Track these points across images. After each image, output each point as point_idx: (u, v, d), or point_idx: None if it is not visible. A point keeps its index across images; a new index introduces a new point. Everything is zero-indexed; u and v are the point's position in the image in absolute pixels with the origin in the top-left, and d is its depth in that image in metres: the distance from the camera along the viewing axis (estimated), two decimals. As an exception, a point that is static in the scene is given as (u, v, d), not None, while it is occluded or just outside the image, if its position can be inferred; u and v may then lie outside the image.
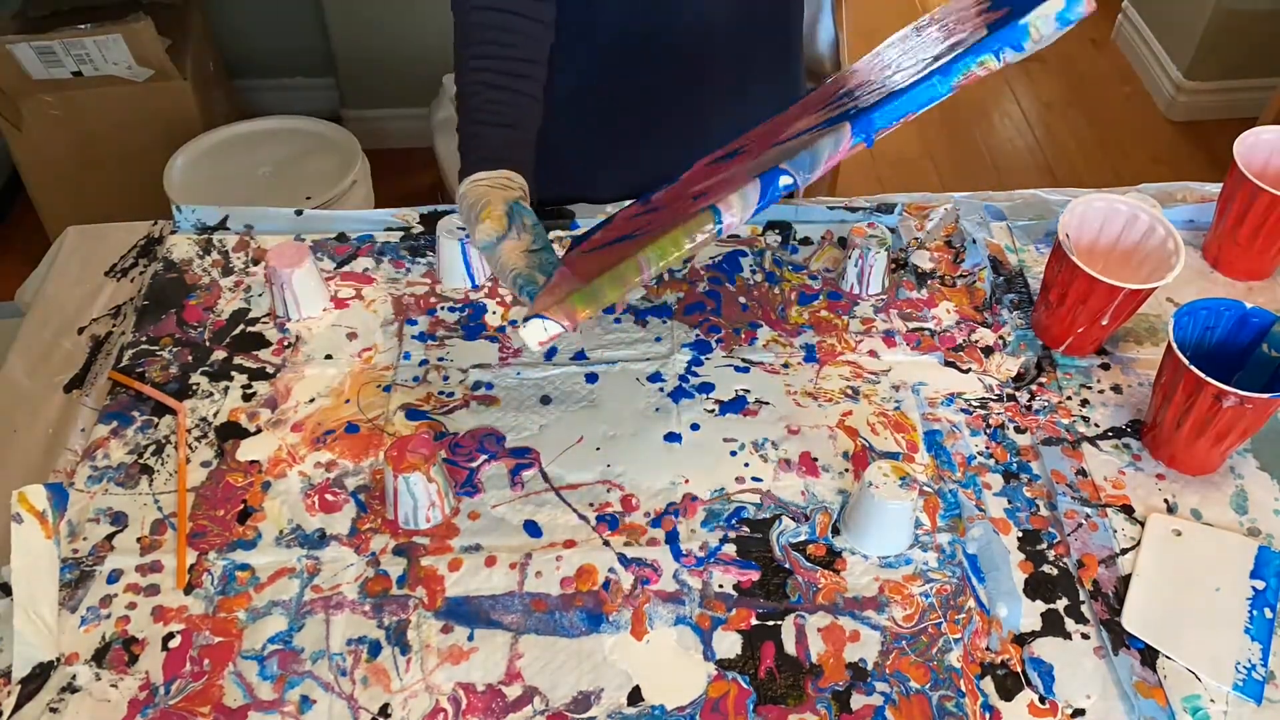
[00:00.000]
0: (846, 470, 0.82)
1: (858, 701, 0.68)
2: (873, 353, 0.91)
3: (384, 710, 0.67)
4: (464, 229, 0.93)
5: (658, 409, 0.86)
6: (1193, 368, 0.75)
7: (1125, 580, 0.75)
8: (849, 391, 0.87)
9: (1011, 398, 0.87)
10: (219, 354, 0.89)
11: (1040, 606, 0.73)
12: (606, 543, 0.76)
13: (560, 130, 1.04)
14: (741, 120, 1.06)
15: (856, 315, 0.94)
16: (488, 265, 0.73)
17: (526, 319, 0.65)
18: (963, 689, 0.69)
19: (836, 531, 0.78)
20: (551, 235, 1.00)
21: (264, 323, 0.92)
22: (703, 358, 0.90)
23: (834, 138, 0.64)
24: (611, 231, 0.80)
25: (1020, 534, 0.78)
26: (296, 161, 1.84)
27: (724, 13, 0.97)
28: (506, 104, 0.83)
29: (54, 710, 0.67)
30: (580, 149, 1.06)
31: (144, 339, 0.90)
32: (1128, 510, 0.79)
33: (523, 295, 0.70)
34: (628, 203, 1.02)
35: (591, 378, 0.88)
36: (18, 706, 0.67)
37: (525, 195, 0.78)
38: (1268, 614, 0.73)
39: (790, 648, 0.71)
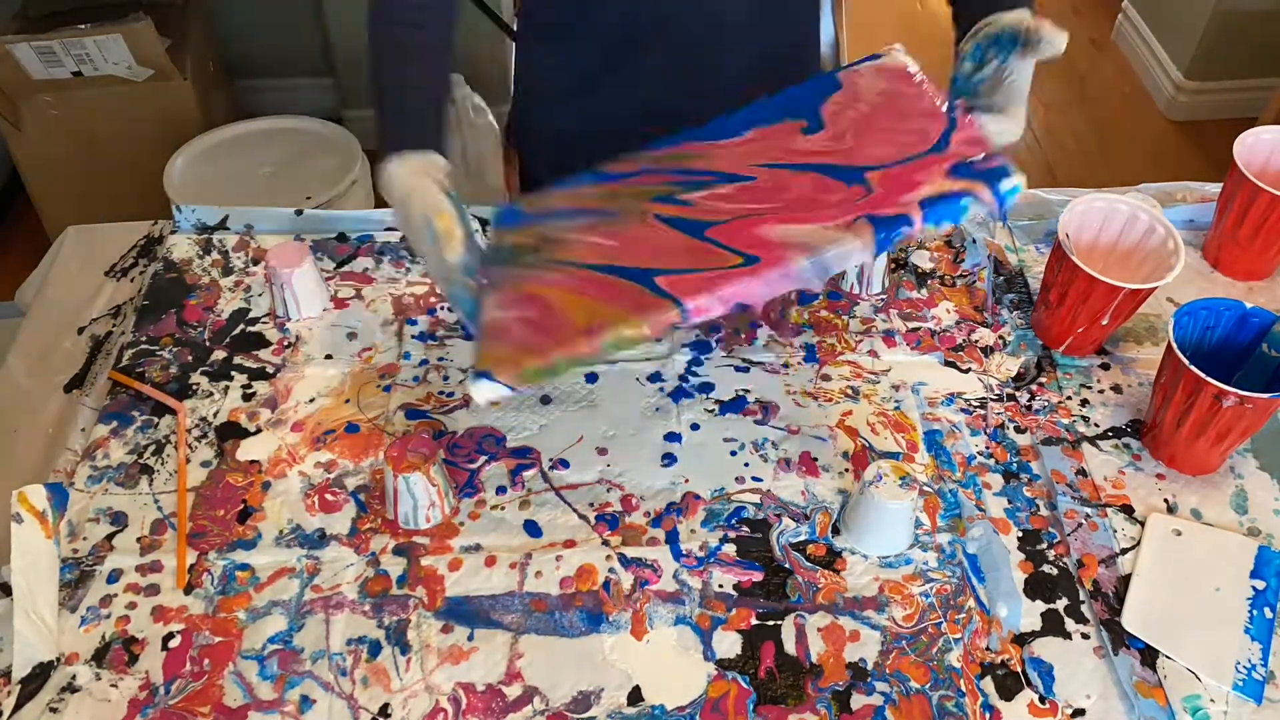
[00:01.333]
0: (846, 470, 0.82)
1: (858, 701, 0.68)
2: (873, 353, 0.91)
3: (384, 710, 0.67)
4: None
5: (658, 409, 0.86)
6: (1193, 368, 0.75)
7: (1125, 580, 0.75)
8: (849, 391, 0.87)
9: (1011, 398, 0.87)
10: (219, 354, 0.89)
11: (1040, 606, 0.73)
12: (606, 542, 0.76)
13: (563, 119, 1.04)
14: None
15: (856, 315, 0.94)
16: (420, 259, 0.70)
17: (476, 375, 0.65)
18: (963, 689, 0.69)
19: (836, 531, 0.78)
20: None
21: (264, 323, 0.92)
22: (703, 358, 0.90)
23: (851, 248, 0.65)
24: (543, 243, 0.76)
25: (1020, 534, 0.78)
26: (296, 161, 1.84)
27: (734, 4, 0.97)
28: (425, 67, 0.79)
29: (54, 710, 0.67)
30: (580, 141, 1.05)
31: (144, 339, 0.90)
32: (1128, 510, 0.79)
33: (458, 308, 0.70)
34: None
35: (591, 378, 0.88)
36: (18, 706, 0.67)
37: (449, 174, 0.75)
38: (1268, 614, 0.73)
39: (790, 648, 0.71)
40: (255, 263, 0.98)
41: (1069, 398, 0.87)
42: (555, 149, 1.05)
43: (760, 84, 1.03)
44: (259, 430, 0.83)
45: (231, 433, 0.83)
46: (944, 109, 0.78)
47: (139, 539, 0.76)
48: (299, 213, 1.01)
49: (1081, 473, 0.82)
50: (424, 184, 0.71)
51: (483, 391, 0.65)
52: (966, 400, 0.87)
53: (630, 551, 0.76)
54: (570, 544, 0.76)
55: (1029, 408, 0.87)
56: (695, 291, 0.65)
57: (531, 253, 0.74)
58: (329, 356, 0.89)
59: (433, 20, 0.81)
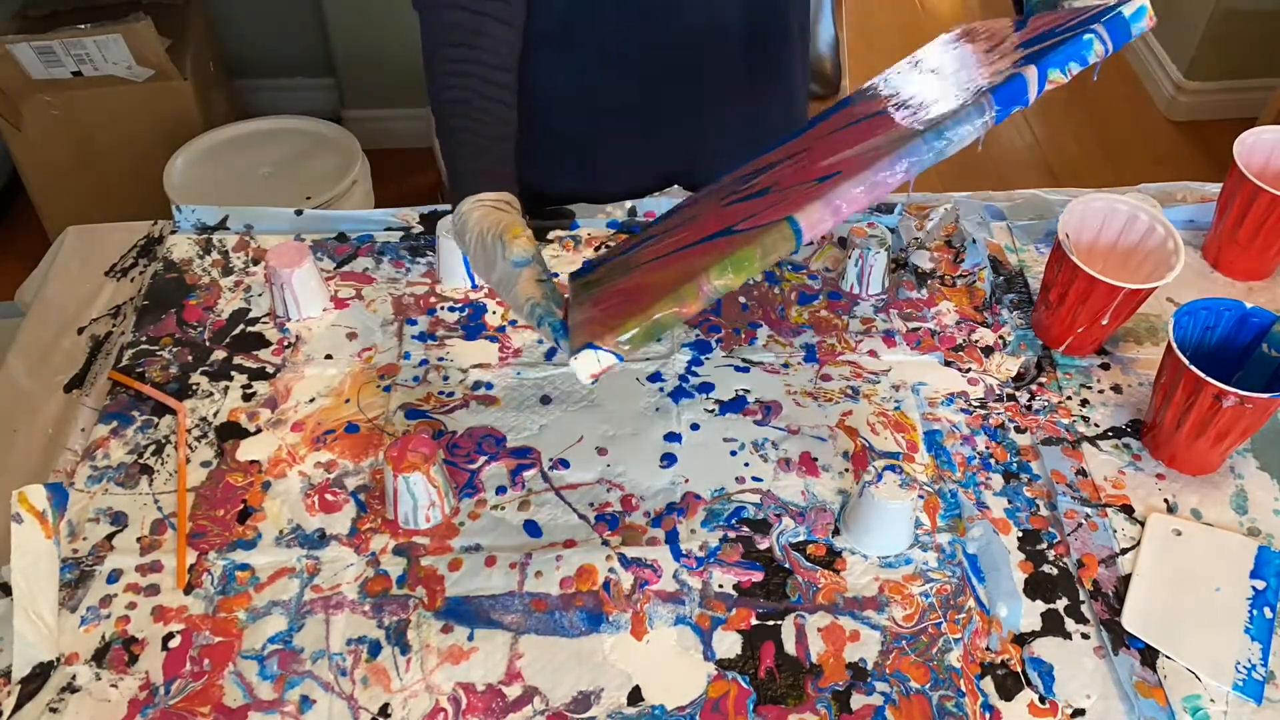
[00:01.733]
0: (846, 470, 0.82)
1: (858, 701, 0.68)
2: (873, 353, 0.91)
3: (384, 710, 0.67)
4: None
5: (658, 409, 0.86)
6: (1193, 368, 0.75)
7: (1125, 580, 0.75)
8: (849, 391, 0.87)
9: (1011, 398, 0.87)
10: (219, 354, 0.89)
11: (1040, 606, 0.73)
12: (606, 542, 0.77)
13: (560, 128, 1.04)
14: (744, 120, 1.06)
15: (856, 315, 0.94)
16: (498, 293, 0.70)
17: (576, 350, 0.61)
18: (963, 689, 0.69)
19: (836, 531, 0.78)
20: (551, 235, 1.01)
21: (264, 323, 0.92)
22: (703, 358, 0.90)
23: (970, 113, 0.61)
24: (615, 269, 0.76)
25: (1020, 534, 0.78)
26: (296, 161, 1.84)
27: (726, 12, 0.97)
28: (493, 116, 0.80)
29: (54, 710, 0.67)
30: (580, 147, 1.06)
31: (144, 339, 0.90)
32: (1128, 510, 0.79)
33: (542, 326, 0.67)
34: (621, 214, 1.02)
35: (591, 378, 0.88)
36: (18, 706, 0.67)
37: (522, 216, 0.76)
38: (1268, 614, 0.73)
39: (790, 648, 0.71)
40: (255, 263, 0.98)
41: (1069, 398, 0.87)
42: (555, 154, 1.06)
43: (746, 89, 1.03)
44: (259, 430, 0.83)
45: (231, 433, 0.83)
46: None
47: (139, 539, 0.76)
48: (299, 213, 1.01)
49: (1081, 473, 0.82)
50: (492, 211, 0.72)
51: (585, 364, 0.60)
52: (966, 400, 0.87)
53: (630, 551, 0.76)
54: (570, 544, 0.76)
55: (1029, 408, 0.87)
56: (802, 204, 0.59)
57: (609, 276, 0.72)
58: (329, 356, 0.89)
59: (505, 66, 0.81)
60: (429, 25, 0.83)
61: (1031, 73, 0.62)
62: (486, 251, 0.70)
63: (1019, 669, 0.70)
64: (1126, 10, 0.62)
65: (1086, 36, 0.62)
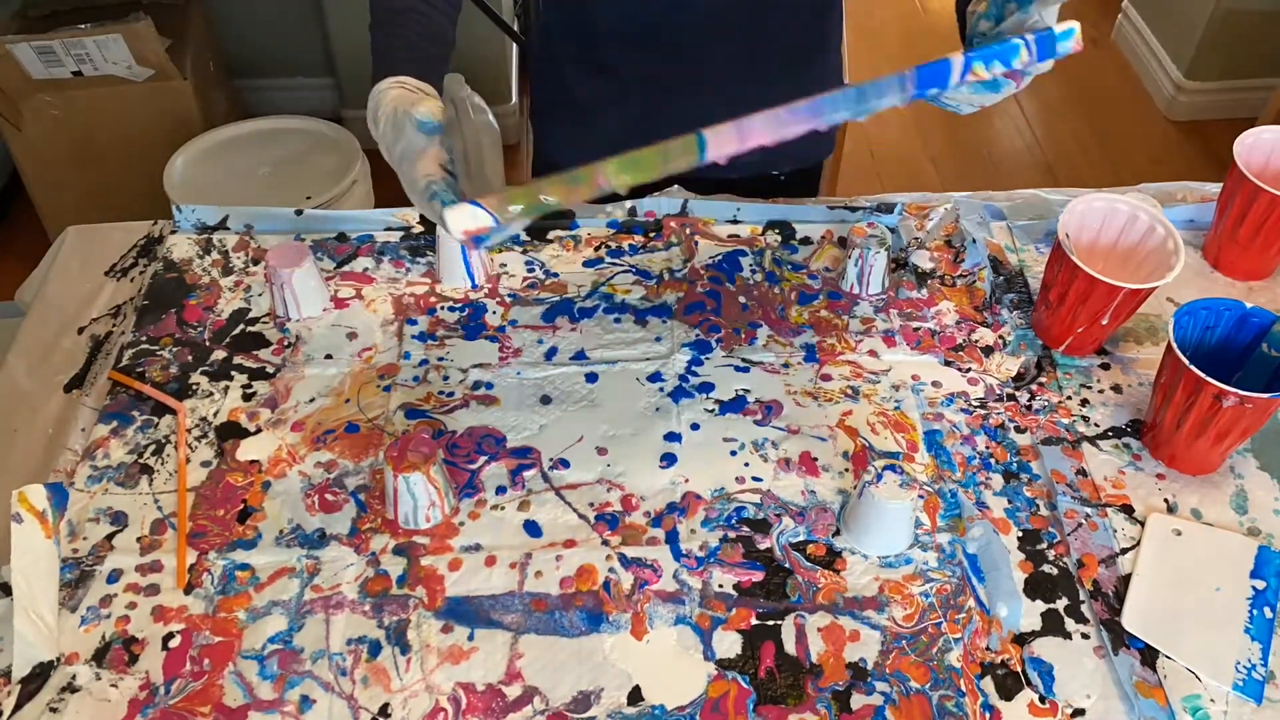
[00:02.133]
0: (846, 470, 0.82)
1: (858, 701, 0.68)
2: (873, 353, 0.91)
3: (384, 710, 0.67)
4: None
5: (658, 409, 0.86)
6: (1193, 368, 0.75)
7: (1125, 580, 0.75)
8: (849, 391, 0.87)
9: (1011, 398, 0.87)
10: (219, 354, 0.89)
11: (1040, 606, 0.73)
12: (606, 542, 0.77)
13: (561, 123, 1.04)
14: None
15: (856, 315, 0.94)
16: (398, 173, 0.66)
17: (454, 203, 0.59)
18: (963, 689, 0.69)
19: (837, 531, 0.78)
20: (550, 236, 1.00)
21: (264, 323, 0.92)
22: (703, 357, 0.90)
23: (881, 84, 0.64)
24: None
25: (1020, 534, 0.78)
26: (296, 161, 1.84)
27: (733, 5, 0.96)
28: (422, 21, 0.78)
29: (54, 710, 0.67)
30: (581, 143, 1.06)
31: (144, 339, 0.90)
32: (1128, 510, 0.79)
33: (433, 202, 0.63)
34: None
35: (591, 377, 0.88)
36: (18, 706, 0.67)
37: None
38: (1268, 614, 0.73)
39: (790, 647, 0.71)
40: (255, 263, 0.98)
41: (1069, 398, 0.87)
42: (564, 148, 1.06)
43: (756, 85, 1.03)
44: (259, 430, 0.83)
45: (231, 433, 0.83)
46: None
47: (139, 539, 0.76)
48: (299, 213, 1.01)
49: (1081, 473, 0.82)
50: (412, 93, 0.69)
51: (459, 216, 0.59)
52: (966, 400, 0.87)
53: (630, 551, 0.76)
54: (570, 544, 0.76)
55: (1029, 408, 0.87)
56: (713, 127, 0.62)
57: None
58: (329, 356, 0.89)
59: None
60: None
61: (958, 59, 0.65)
62: (396, 126, 0.66)
63: (1019, 669, 0.70)
64: (1058, 28, 0.65)
65: (1015, 42, 0.65)
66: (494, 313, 0.94)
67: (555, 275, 0.97)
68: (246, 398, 0.86)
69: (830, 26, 1.07)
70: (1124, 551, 0.77)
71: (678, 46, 0.99)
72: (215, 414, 0.85)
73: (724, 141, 0.62)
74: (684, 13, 0.96)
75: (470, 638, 0.71)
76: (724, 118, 0.62)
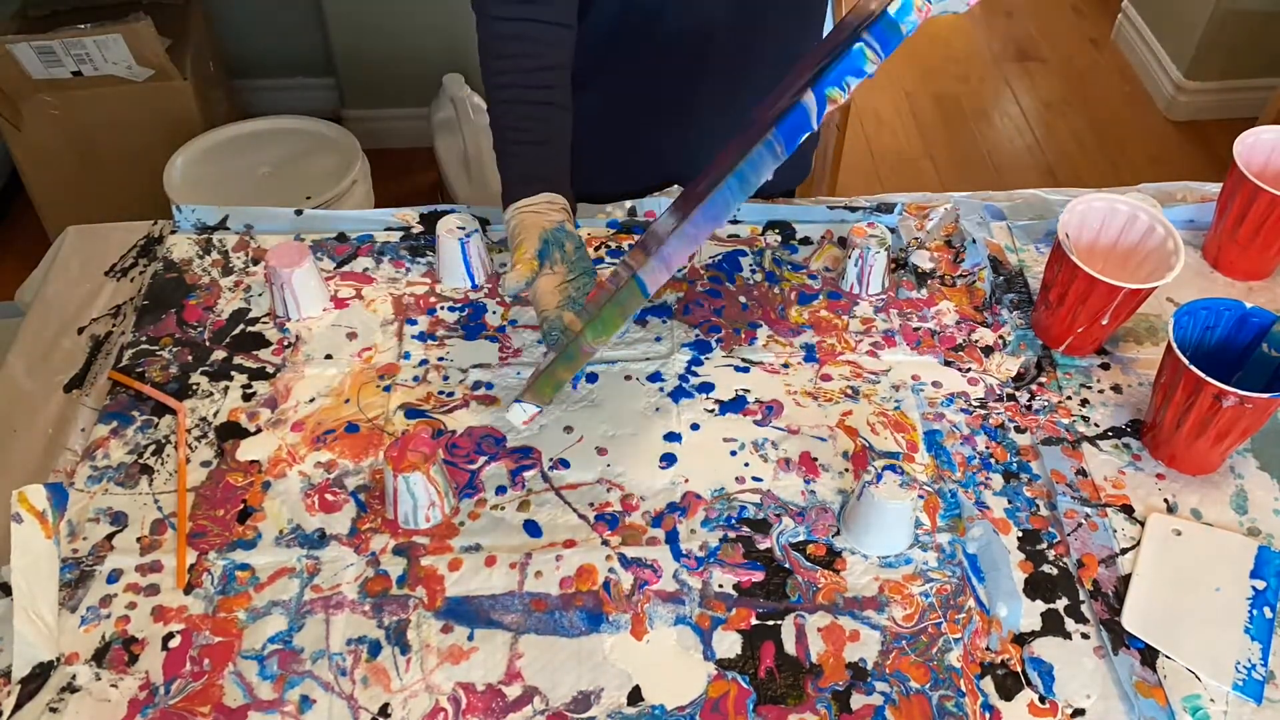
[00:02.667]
0: (846, 470, 0.82)
1: (858, 701, 0.68)
2: (872, 353, 0.91)
3: (384, 710, 0.67)
4: (464, 231, 0.94)
5: (658, 409, 0.86)
6: (1193, 368, 0.75)
7: (1125, 580, 0.75)
8: (849, 391, 0.87)
9: (1011, 398, 0.87)
10: (219, 354, 0.89)
11: (1040, 606, 0.73)
12: (606, 542, 0.76)
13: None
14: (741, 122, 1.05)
15: (856, 315, 0.94)
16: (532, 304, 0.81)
17: (511, 401, 0.80)
18: (963, 689, 0.69)
19: (837, 532, 0.78)
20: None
21: (264, 323, 0.92)
22: (703, 357, 0.90)
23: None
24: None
25: (1020, 534, 0.78)
26: (296, 161, 1.84)
27: (726, 6, 0.97)
28: (539, 118, 0.85)
29: (54, 710, 0.67)
30: (578, 144, 1.06)
31: (144, 339, 0.90)
32: (1128, 510, 0.79)
33: (546, 342, 0.79)
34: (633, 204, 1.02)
35: (591, 378, 0.88)
36: (18, 706, 0.67)
37: (568, 213, 0.83)
38: (1268, 614, 0.73)
39: (790, 647, 0.71)
40: (255, 263, 0.98)
41: (1069, 398, 0.87)
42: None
43: (748, 85, 1.03)
44: (259, 430, 0.83)
45: (231, 433, 0.83)
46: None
47: (139, 539, 0.76)
48: (299, 213, 1.01)
49: (1081, 473, 0.81)
50: (522, 218, 0.81)
51: (516, 415, 0.79)
52: (967, 400, 0.87)
53: (630, 551, 0.76)
54: (570, 544, 0.76)
55: (1029, 408, 0.86)
56: (643, 259, 0.71)
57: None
58: (329, 356, 0.89)
59: (558, 83, 0.87)
60: (483, 35, 0.87)
61: (810, 99, 0.65)
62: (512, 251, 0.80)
63: (1019, 669, 0.70)
64: (891, 9, 0.62)
65: (857, 47, 0.63)
66: (494, 313, 0.94)
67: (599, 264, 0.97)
68: (246, 398, 0.86)
69: (815, 34, 1.07)
70: (1124, 551, 0.77)
71: (668, 62, 1.00)
72: (215, 414, 0.85)
73: (656, 276, 0.72)
74: (673, 29, 0.97)
75: (470, 638, 0.71)
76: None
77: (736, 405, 0.86)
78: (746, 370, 0.89)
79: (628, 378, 0.88)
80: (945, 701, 0.68)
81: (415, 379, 0.88)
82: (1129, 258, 0.91)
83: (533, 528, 0.77)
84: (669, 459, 0.82)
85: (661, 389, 0.87)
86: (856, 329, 0.93)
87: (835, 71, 0.64)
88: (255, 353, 0.90)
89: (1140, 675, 0.69)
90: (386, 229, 1.01)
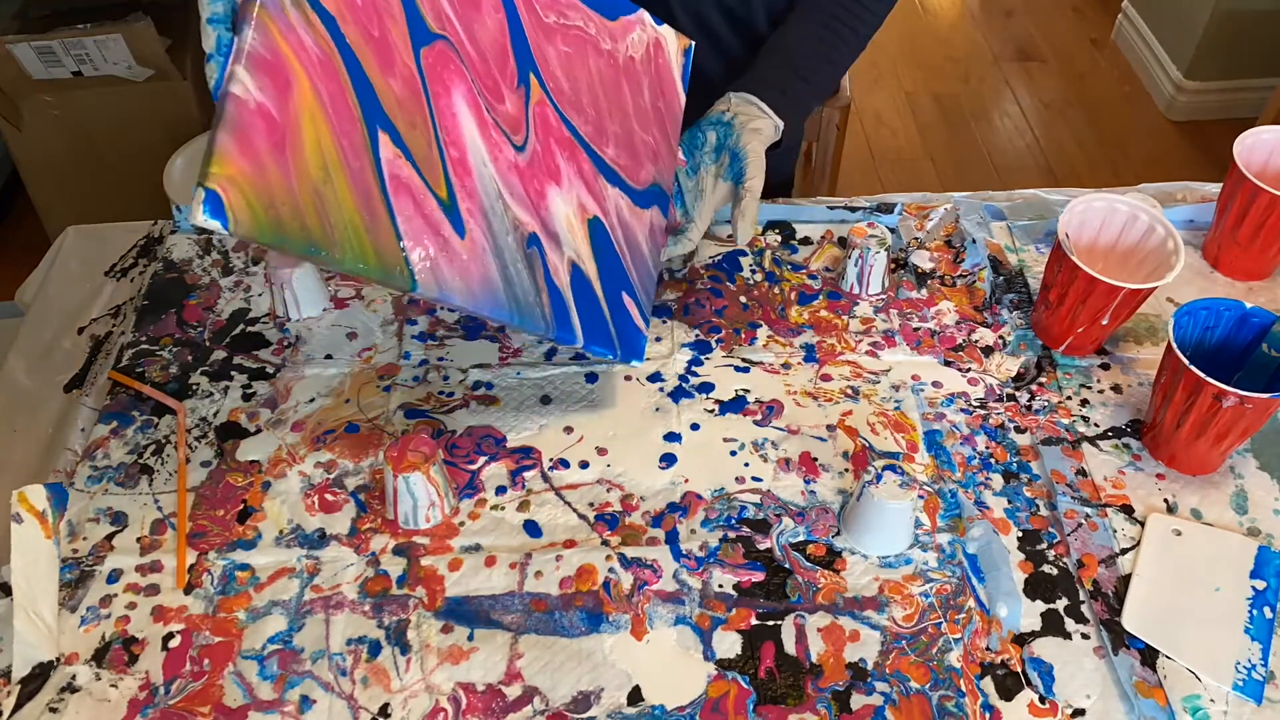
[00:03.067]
0: (846, 470, 0.82)
1: (858, 701, 0.68)
2: (872, 353, 0.91)
3: (384, 710, 0.67)
4: None
5: (658, 409, 0.86)
6: (1193, 368, 0.75)
7: (1125, 580, 0.75)
8: (849, 391, 0.87)
9: (1011, 398, 0.87)
10: (219, 354, 0.89)
11: (1040, 606, 0.73)
12: (606, 542, 0.77)
13: None
14: None
15: (856, 315, 0.94)
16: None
17: (204, 189, 0.56)
18: (963, 689, 0.69)
19: (837, 532, 0.78)
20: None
21: (264, 323, 0.92)
22: (703, 358, 0.90)
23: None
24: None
25: (1020, 534, 0.78)
26: (296, 161, 1.84)
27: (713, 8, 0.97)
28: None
29: (54, 710, 0.67)
30: None
31: (144, 339, 0.90)
32: (1128, 510, 0.79)
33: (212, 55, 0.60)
34: None
35: (591, 378, 0.88)
36: (18, 706, 0.67)
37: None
38: (1268, 614, 0.73)
39: (790, 647, 0.71)
40: (255, 263, 0.98)
41: (1069, 398, 0.87)
42: None
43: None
44: (259, 430, 0.83)
45: (231, 433, 0.83)
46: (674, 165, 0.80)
47: (139, 539, 0.76)
48: (299, 213, 1.01)
49: (1081, 473, 0.82)
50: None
51: (207, 222, 0.57)
52: (967, 400, 0.87)
53: (630, 551, 0.76)
54: (570, 544, 0.76)
55: (1029, 408, 0.87)
56: (427, 277, 0.64)
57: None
58: (329, 356, 0.89)
59: None
60: None
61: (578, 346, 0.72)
62: None
63: (1019, 669, 0.70)
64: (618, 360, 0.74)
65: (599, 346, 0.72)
66: (494, 313, 0.94)
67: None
68: (246, 398, 0.86)
69: None
70: (1124, 551, 0.77)
71: None
72: (215, 414, 0.85)
73: (430, 300, 0.67)
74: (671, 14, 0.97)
75: (470, 638, 0.71)
76: None
77: (736, 405, 0.86)
78: (746, 370, 0.89)
79: (628, 378, 0.88)
80: (945, 701, 0.68)
81: (415, 379, 0.88)
82: (1129, 258, 0.91)
83: (533, 528, 0.77)
84: (669, 459, 0.82)
85: (661, 389, 0.87)
86: (856, 329, 0.93)
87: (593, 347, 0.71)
88: (255, 353, 0.90)
89: (1140, 675, 0.69)
90: (386, 229, 1.01)
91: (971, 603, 0.74)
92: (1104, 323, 0.86)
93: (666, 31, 0.84)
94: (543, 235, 0.70)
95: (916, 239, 1.01)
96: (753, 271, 0.98)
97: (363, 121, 0.63)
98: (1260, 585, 0.74)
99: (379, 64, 0.64)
